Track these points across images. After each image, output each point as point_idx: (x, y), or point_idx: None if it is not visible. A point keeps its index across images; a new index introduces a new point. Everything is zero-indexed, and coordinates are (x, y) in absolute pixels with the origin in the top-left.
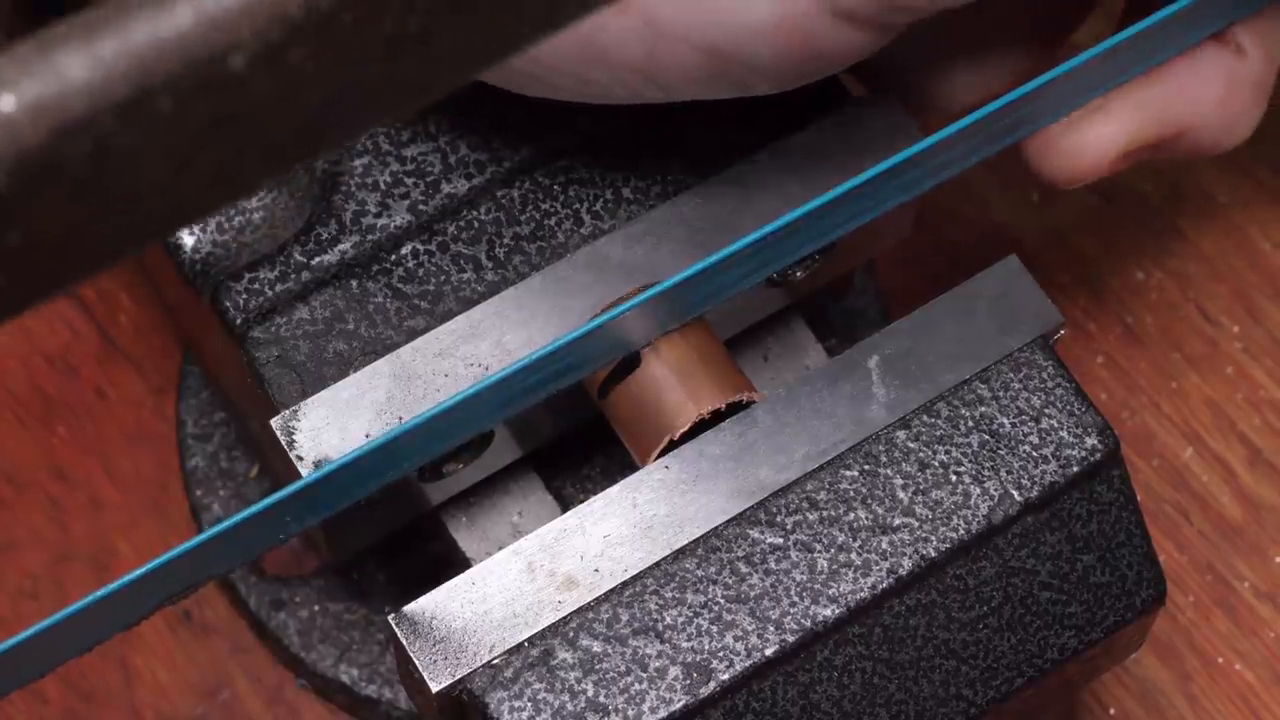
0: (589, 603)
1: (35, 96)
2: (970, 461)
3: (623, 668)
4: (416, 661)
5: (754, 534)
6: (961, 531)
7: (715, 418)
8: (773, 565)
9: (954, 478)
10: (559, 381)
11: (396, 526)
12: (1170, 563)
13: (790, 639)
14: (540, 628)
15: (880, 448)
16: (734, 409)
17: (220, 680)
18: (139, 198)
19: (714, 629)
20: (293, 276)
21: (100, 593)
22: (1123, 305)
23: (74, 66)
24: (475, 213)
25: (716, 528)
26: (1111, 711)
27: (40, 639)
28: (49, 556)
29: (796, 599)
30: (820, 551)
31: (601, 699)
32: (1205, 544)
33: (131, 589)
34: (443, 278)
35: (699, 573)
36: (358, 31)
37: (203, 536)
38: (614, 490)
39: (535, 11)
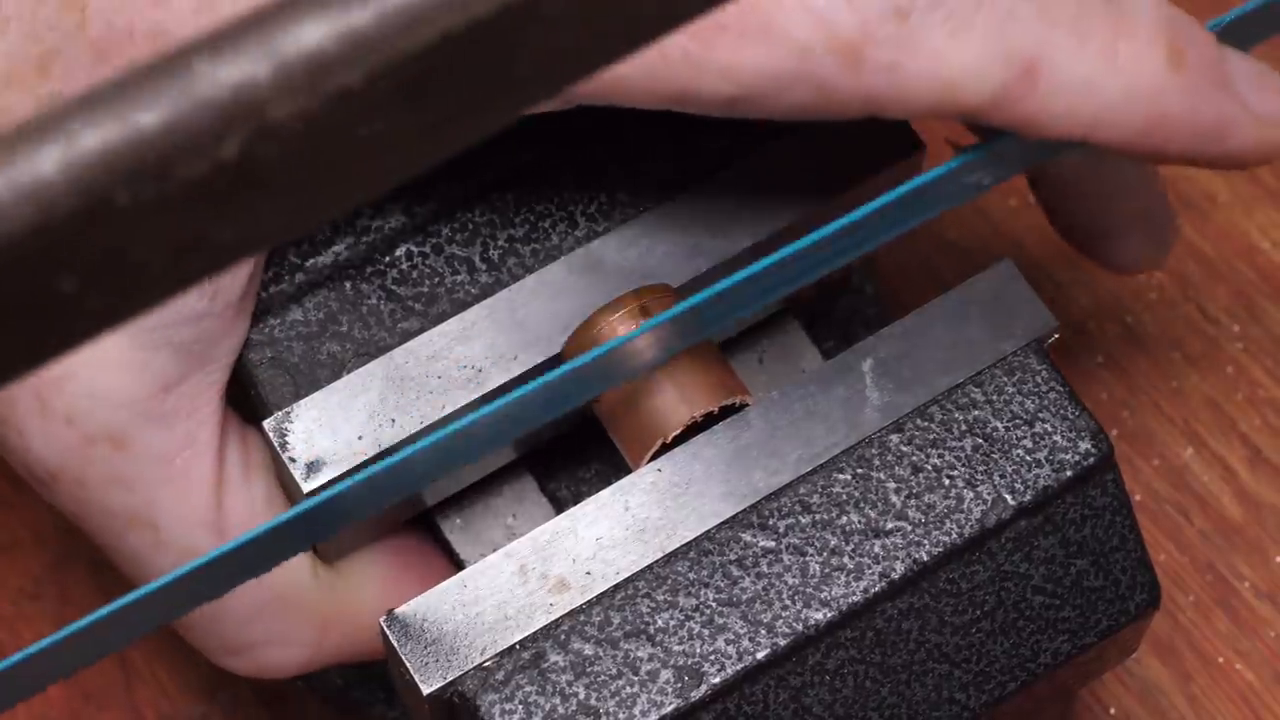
0: (581, 605)
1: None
2: (963, 465)
3: (614, 671)
4: (408, 663)
5: (746, 537)
6: (954, 535)
7: (708, 420)
8: (765, 568)
9: (947, 481)
10: (563, 406)
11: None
12: (1170, 562)
13: (782, 642)
14: (532, 630)
15: (873, 451)
16: (727, 412)
17: (220, 680)
18: None
19: (706, 632)
20: (286, 278)
21: (71, 628)
22: (1123, 305)
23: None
24: (469, 214)
25: (709, 531)
26: (1111, 711)
27: (40, 658)
28: (51, 558)
29: (789, 602)
30: (813, 555)
31: (593, 702)
32: (1205, 544)
33: (117, 617)
34: (436, 279)
35: (691, 576)
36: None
37: (182, 570)
38: (606, 493)
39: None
